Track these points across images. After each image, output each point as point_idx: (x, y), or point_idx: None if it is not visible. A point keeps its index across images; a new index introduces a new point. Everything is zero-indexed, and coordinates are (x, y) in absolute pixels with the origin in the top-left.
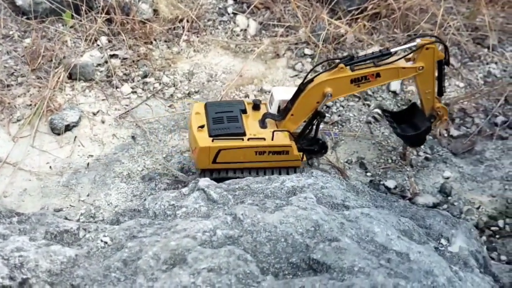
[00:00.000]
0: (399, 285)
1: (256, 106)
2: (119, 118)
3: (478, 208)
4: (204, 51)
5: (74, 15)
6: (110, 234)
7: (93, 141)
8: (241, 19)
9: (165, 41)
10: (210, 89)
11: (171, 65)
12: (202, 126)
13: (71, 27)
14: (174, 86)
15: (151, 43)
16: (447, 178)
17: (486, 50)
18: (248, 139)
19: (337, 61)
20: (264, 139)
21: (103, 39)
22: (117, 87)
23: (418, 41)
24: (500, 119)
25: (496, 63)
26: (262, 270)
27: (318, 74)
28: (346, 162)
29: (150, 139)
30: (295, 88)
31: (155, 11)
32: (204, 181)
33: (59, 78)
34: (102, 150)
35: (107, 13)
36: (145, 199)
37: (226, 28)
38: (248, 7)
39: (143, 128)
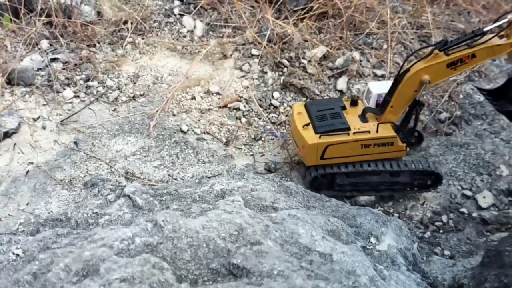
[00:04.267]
0: (318, 286)
1: (354, 102)
2: (61, 123)
3: (422, 204)
4: (150, 53)
5: (13, 18)
6: (23, 246)
7: (33, 148)
8: (187, 20)
9: (109, 44)
10: (156, 92)
11: (115, 68)
12: (307, 125)
13: (10, 30)
14: (119, 89)
15: (94, 45)
16: None
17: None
18: (354, 133)
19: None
20: (369, 132)
21: (44, 43)
22: (58, 92)
23: (510, 16)
24: (444, 115)
25: None
26: (178, 277)
27: (414, 64)
28: (296, 163)
29: (93, 144)
30: (390, 82)
31: (99, 13)
32: (130, 187)
33: None
34: (43, 156)
35: (48, 15)
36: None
37: (172, 30)
38: (194, 8)
39: (86, 133)
